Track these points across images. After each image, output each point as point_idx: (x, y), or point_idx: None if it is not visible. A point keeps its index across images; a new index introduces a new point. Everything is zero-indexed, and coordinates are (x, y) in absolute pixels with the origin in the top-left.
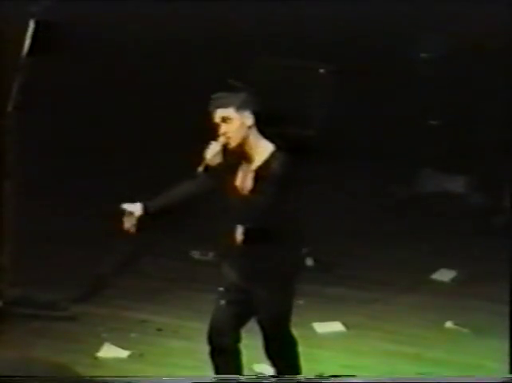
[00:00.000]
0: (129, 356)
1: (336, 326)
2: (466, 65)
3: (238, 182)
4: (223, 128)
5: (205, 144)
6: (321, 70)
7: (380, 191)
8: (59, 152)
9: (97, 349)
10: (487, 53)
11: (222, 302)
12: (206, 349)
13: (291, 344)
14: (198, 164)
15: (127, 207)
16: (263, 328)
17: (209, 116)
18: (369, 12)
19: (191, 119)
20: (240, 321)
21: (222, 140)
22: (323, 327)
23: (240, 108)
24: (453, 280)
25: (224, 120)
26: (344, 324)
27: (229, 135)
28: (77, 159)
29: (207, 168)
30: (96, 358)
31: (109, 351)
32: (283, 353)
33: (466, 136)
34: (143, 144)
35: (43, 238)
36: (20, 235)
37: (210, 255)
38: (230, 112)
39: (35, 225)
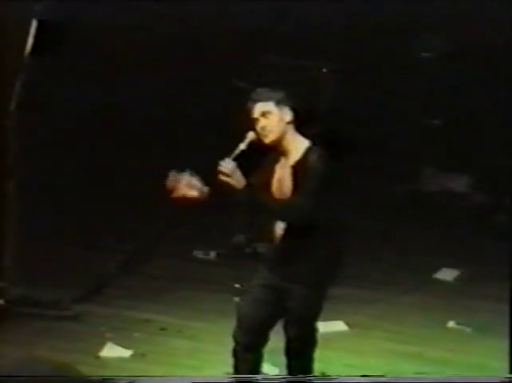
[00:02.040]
0: (132, 355)
1: (338, 326)
2: (468, 65)
3: (277, 178)
4: (262, 122)
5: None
6: (324, 69)
7: (381, 189)
8: (61, 152)
9: (100, 349)
10: (488, 52)
11: (253, 299)
12: (209, 348)
13: (312, 344)
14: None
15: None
16: (291, 327)
17: (215, 113)
18: (370, 12)
19: (191, 118)
20: (272, 321)
21: (259, 132)
22: (326, 326)
23: (280, 103)
24: (455, 279)
25: (264, 114)
26: (347, 323)
27: (268, 129)
28: (79, 158)
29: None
30: (98, 358)
31: (112, 350)
32: (303, 353)
33: (469, 135)
34: (143, 142)
35: (45, 238)
36: (22, 234)
37: (213, 255)
38: (270, 106)
39: (37, 224)
